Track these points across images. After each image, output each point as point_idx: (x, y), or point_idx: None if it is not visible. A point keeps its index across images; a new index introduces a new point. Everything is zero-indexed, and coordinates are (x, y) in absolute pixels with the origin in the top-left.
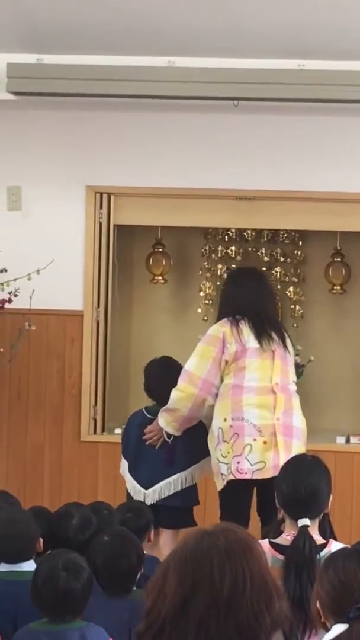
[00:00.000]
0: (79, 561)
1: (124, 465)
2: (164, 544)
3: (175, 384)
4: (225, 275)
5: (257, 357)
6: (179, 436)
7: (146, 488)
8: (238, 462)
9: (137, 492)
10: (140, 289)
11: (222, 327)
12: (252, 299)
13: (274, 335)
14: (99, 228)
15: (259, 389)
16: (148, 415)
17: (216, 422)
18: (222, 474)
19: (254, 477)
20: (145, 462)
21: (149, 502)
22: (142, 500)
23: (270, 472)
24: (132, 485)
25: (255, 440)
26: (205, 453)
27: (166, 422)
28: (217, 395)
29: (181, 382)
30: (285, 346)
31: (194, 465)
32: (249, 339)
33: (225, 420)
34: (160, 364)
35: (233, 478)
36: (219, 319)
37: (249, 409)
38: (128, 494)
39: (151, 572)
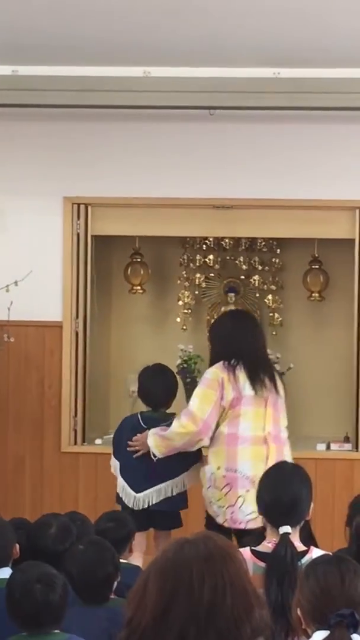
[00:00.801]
0: (52, 572)
1: (115, 464)
2: (156, 545)
3: (169, 389)
4: (212, 315)
5: (252, 406)
6: None
7: (136, 492)
8: (232, 512)
9: (128, 494)
10: (118, 299)
11: (221, 373)
12: (247, 341)
13: (266, 380)
14: (76, 239)
15: (253, 438)
16: (142, 424)
17: (210, 467)
18: (216, 514)
19: (248, 527)
20: (137, 466)
21: (139, 506)
22: (132, 502)
23: None
24: (123, 487)
25: (248, 491)
26: (196, 460)
27: (155, 445)
28: (211, 437)
29: (184, 418)
30: (276, 390)
31: (185, 472)
32: (245, 386)
33: (219, 468)
34: (155, 370)
35: (228, 526)
36: (213, 360)
37: (243, 461)
38: (118, 495)
39: (133, 582)
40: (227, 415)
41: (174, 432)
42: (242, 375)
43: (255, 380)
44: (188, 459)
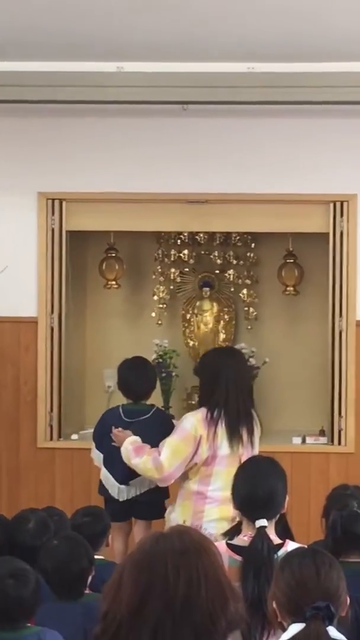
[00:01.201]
0: (25, 567)
1: (97, 456)
2: (137, 534)
3: (149, 381)
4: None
5: (225, 466)
6: (152, 439)
7: (121, 483)
8: None
9: (112, 485)
10: (94, 294)
11: (201, 429)
12: (235, 386)
13: (244, 435)
14: (51, 234)
15: (222, 499)
16: (123, 417)
17: (175, 517)
18: None
19: None
20: (121, 458)
21: (123, 497)
22: (117, 493)
23: None
24: (107, 478)
25: None
26: None
27: (125, 456)
28: (181, 490)
29: (151, 463)
30: (252, 445)
31: None
32: (222, 444)
33: (184, 522)
34: (135, 363)
35: None
36: (201, 396)
37: (208, 520)
38: (100, 486)
39: (108, 577)
40: (199, 471)
41: (140, 466)
42: (221, 432)
43: (233, 437)
44: None
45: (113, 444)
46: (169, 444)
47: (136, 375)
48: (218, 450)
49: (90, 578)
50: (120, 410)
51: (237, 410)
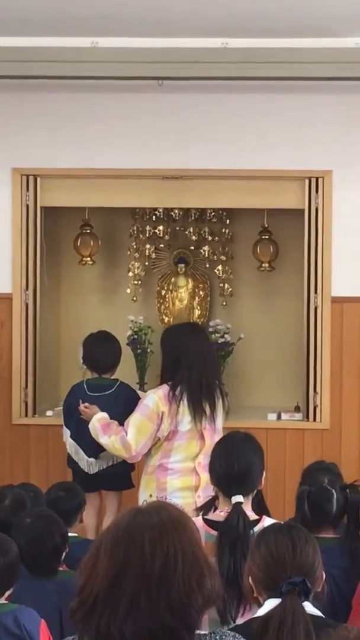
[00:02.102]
0: (5, 539)
1: (67, 432)
2: (108, 505)
3: (113, 356)
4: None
5: (186, 440)
6: (117, 413)
7: (89, 456)
8: None
9: (81, 458)
10: (68, 270)
11: (162, 406)
12: (196, 361)
13: (207, 409)
14: (25, 210)
15: (182, 470)
16: (87, 392)
17: (142, 495)
18: None
19: None
20: (88, 432)
21: (93, 470)
22: (86, 466)
23: None
24: (77, 451)
25: None
26: None
27: (93, 432)
28: (145, 467)
29: (119, 443)
30: (214, 420)
31: None
32: (183, 420)
33: (150, 496)
34: (99, 337)
35: None
36: (163, 373)
37: (172, 490)
38: (69, 458)
39: (83, 555)
40: (161, 446)
41: (108, 446)
42: (183, 408)
43: (197, 413)
44: None
45: (81, 416)
46: (133, 423)
47: (99, 349)
48: (179, 426)
49: (64, 555)
50: (85, 385)
51: (199, 386)
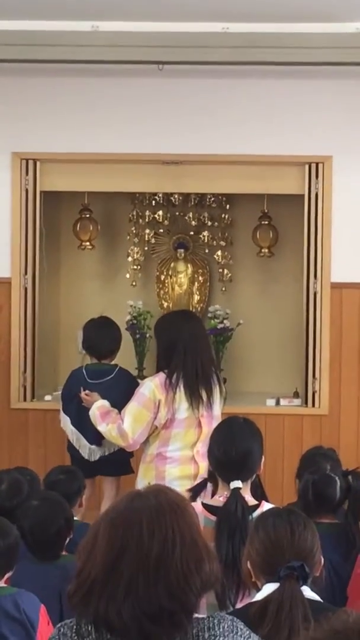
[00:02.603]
0: (5, 522)
1: (65, 419)
2: (105, 490)
3: (114, 341)
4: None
5: (184, 428)
6: (117, 399)
7: (91, 443)
8: None
9: (83, 445)
10: (68, 255)
11: (159, 394)
12: (190, 348)
13: (204, 395)
14: (25, 194)
15: (181, 458)
16: (87, 378)
17: (140, 483)
18: None
19: None
20: (86, 424)
21: (95, 457)
22: (87, 453)
23: None
24: (78, 439)
25: None
26: None
27: (92, 419)
28: (143, 455)
29: (116, 431)
30: (211, 406)
31: None
32: (180, 408)
33: (148, 484)
34: (100, 323)
35: None
36: (158, 360)
37: (170, 479)
38: (69, 445)
39: (82, 538)
40: (159, 435)
41: (106, 434)
42: (180, 396)
43: (194, 400)
44: None
45: (83, 404)
46: (129, 412)
47: (99, 334)
48: (176, 413)
49: (68, 540)
50: (84, 371)
51: (195, 373)
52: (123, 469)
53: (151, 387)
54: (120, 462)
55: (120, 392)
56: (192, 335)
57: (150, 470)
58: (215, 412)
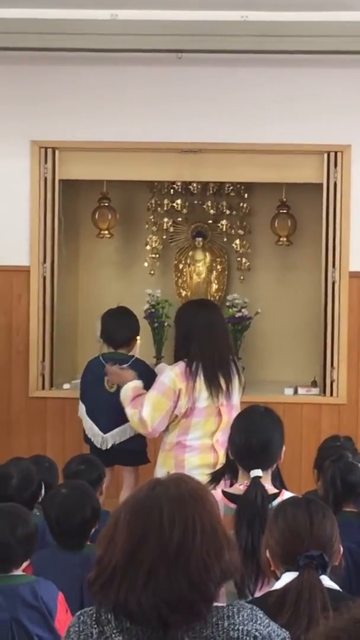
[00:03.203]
0: (20, 512)
1: (82, 408)
2: (125, 479)
3: (130, 331)
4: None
5: (204, 417)
6: None
7: (104, 432)
8: None
9: (96, 434)
10: (86, 243)
11: (179, 383)
12: (206, 336)
13: (222, 384)
14: (44, 183)
15: (201, 447)
16: (104, 364)
17: (159, 472)
18: None
19: None
20: (104, 408)
21: (107, 445)
22: (100, 442)
23: None
24: (91, 427)
25: None
26: None
27: (122, 400)
28: (163, 443)
29: (136, 418)
30: (230, 395)
31: None
32: (200, 397)
33: (168, 473)
34: (117, 312)
35: None
36: (177, 349)
37: (190, 469)
38: (85, 435)
39: (103, 526)
40: (178, 423)
41: (130, 417)
42: (199, 384)
43: (213, 388)
44: None
45: (109, 387)
46: (149, 399)
47: (115, 323)
48: (197, 402)
49: (93, 530)
50: (101, 358)
51: (212, 361)
52: (139, 459)
53: (172, 376)
54: (137, 452)
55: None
56: (208, 323)
57: (170, 459)
58: (234, 401)
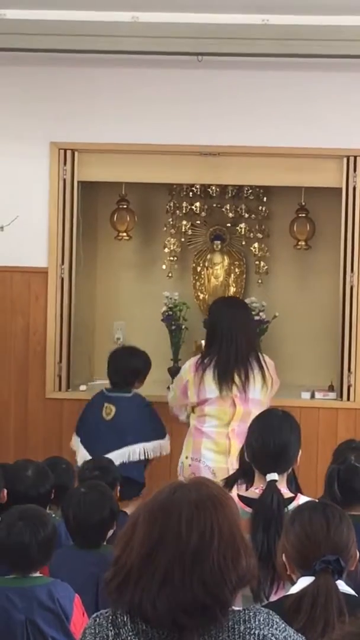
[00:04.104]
0: (39, 514)
1: (76, 439)
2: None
3: (131, 373)
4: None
5: (216, 405)
6: (130, 415)
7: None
8: None
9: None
10: (104, 245)
11: (188, 374)
12: (230, 332)
13: (236, 379)
14: (62, 184)
15: (216, 434)
16: (106, 392)
17: (181, 457)
18: None
19: None
20: (99, 438)
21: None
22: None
23: None
24: (84, 457)
25: None
26: (157, 436)
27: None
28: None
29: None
30: (246, 389)
31: (143, 442)
32: (209, 389)
33: (187, 457)
34: (117, 354)
35: None
36: (206, 343)
37: (205, 453)
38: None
39: (119, 528)
40: (196, 411)
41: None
42: (208, 377)
43: (222, 382)
44: (146, 432)
45: (106, 415)
46: (172, 388)
47: (111, 365)
48: (206, 394)
49: (111, 532)
50: (104, 388)
51: (228, 356)
52: (132, 492)
53: (186, 367)
54: (130, 485)
55: (133, 413)
56: (231, 320)
57: (189, 444)
58: (254, 396)
